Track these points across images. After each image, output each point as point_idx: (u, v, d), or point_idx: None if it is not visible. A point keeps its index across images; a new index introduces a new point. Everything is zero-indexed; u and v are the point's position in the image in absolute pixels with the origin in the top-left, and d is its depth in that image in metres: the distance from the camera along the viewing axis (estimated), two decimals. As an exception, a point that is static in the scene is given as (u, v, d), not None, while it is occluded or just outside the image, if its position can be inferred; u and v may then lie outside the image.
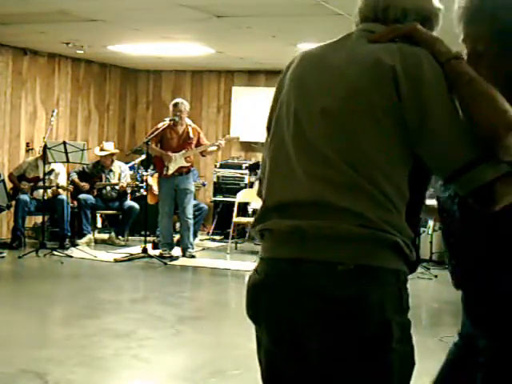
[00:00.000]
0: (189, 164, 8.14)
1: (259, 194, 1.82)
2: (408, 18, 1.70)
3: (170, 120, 7.98)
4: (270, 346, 1.70)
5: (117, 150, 9.31)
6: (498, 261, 1.79)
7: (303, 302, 1.58)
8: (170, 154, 7.97)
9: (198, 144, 8.19)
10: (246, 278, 1.89)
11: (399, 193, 1.59)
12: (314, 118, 1.64)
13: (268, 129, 1.81)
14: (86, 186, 8.92)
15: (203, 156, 8.75)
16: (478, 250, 1.82)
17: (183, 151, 8.04)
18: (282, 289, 1.63)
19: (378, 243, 1.56)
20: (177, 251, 8.26)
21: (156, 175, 8.63)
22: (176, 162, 8.02)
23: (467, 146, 1.56)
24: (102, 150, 9.16)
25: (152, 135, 7.92)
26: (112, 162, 9.18)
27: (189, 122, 8.22)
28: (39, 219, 8.67)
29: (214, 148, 8.35)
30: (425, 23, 1.71)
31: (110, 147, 9.20)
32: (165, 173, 8.03)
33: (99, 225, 9.87)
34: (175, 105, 8.05)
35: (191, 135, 8.14)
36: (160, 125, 8.10)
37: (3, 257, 7.74)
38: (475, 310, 1.87)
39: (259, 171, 1.90)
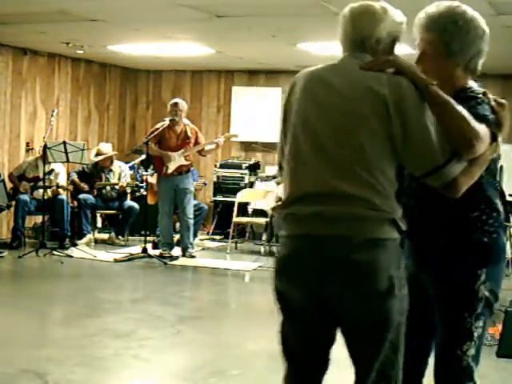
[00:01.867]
0: (188, 163, 8.13)
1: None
2: (381, 44, 2.24)
3: (170, 120, 7.99)
4: (302, 301, 2.22)
5: (114, 153, 9.23)
6: (453, 250, 2.35)
7: (329, 267, 2.11)
8: (169, 153, 7.98)
9: (196, 143, 8.19)
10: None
11: (391, 184, 2.16)
12: (332, 133, 2.17)
13: (283, 137, 2.33)
14: (85, 187, 8.91)
15: (202, 155, 8.74)
16: (436, 242, 2.38)
17: (182, 150, 8.04)
18: (309, 258, 2.15)
19: (382, 221, 2.12)
20: (177, 251, 8.27)
21: (156, 175, 8.62)
22: (175, 160, 8.02)
23: (438, 151, 2.13)
24: (98, 153, 9.11)
25: (152, 135, 7.92)
26: (111, 162, 9.17)
27: (186, 121, 8.22)
28: (39, 219, 8.67)
29: (213, 146, 8.32)
30: (394, 41, 2.28)
31: (106, 149, 9.14)
32: (164, 172, 8.03)
33: (99, 225, 9.87)
34: (175, 104, 8.05)
35: (189, 134, 8.13)
36: (159, 125, 8.10)
37: (3, 256, 7.75)
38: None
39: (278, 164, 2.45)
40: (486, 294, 2.35)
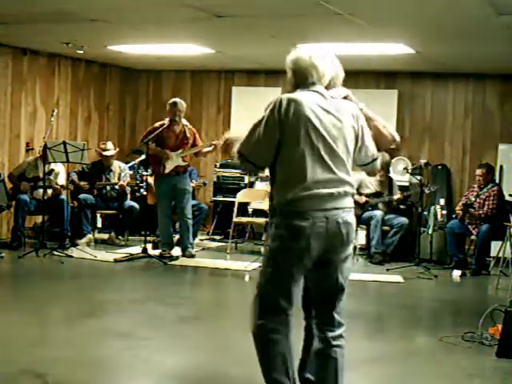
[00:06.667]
0: (186, 163, 8.13)
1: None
2: (331, 84, 3.30)
3: (170, 120, 7.98)
4: (314, 252, 3.13)
5: (117, 149, 9.29)
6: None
7: (339, 227, 3.15)
8: (168, 151, 7.97)
9: (194, 144, 8.17)
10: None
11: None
12: (334, 140, 3.16)
13: (278, 142, 3.15)
14: (85, 186, 8.91)
15: (203, 157, 8.73)
16: None
17: (180, 150, 8.03)
18: (328, 223, 3.11)
19: (352, 195, 3.23)
20: (177, 251, 8.27)
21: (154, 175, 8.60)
22: (173, 160, 8.01)
23: (375, 149, 3.33)
24: (104, 149, 9.12)
25: (151, 135, 7.89)
26: (112, 161, 9.16)
27: (185, 122, 8.21)
28: (39, 219, 8.67)
29: (210, 148, 8.26)
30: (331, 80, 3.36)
31: (109, 145, 9.18)
32: (161, 171, 8.02)
33: (99, 225, 9.87)
34: (174, 104, 8.03)
35: (188, 135, 8.12)
36: (157, 124, 8.10)
37: (2, 257, 7.74)
38: None
39: (255, 160, 3.20)
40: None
